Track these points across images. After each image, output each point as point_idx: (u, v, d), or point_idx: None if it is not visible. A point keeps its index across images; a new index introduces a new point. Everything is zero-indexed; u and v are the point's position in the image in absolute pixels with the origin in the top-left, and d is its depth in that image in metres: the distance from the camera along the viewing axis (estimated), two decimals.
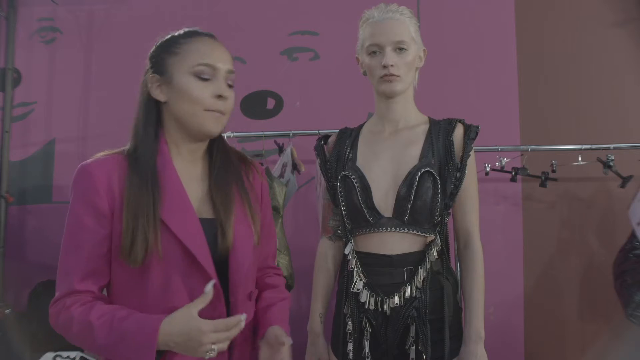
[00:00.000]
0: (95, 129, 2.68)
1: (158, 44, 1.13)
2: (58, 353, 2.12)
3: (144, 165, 1.05)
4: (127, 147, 1.10)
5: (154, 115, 1.10)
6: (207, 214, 1.11)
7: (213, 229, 1.09)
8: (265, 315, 1.18)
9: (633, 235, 2.01)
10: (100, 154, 1.09)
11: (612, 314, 2.14)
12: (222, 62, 1.09)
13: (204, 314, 0.96)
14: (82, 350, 2.24)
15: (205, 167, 1.16)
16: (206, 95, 1.06)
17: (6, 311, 2.37)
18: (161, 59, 1.10)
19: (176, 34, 1.13)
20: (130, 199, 1.02)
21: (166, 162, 1.08)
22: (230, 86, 1.11)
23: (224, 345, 0.97)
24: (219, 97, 1.07)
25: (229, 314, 1.08)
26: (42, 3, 2.74)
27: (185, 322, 0.94)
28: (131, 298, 1.03)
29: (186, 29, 1.14)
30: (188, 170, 1.12)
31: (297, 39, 2.62)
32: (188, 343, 0.94)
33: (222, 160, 1.17)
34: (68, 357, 2.11)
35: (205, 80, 1.07)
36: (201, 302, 0.97)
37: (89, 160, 1.06)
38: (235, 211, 1.12)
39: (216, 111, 1.07)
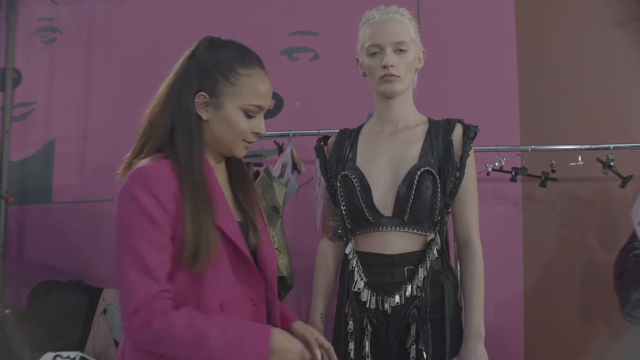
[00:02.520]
0: (95, 129, 2.68)
1: (210, 58, 1.13)
2: (58, 353, 2.12)
3: (196, 174, 1.08)
4: (163, 153, 1.09)
5: (197, 128, 1.12)
6: (237, 217, 1.18)
7: (243, 231, 1.16)
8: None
9: (634, 235, 2.01)
10: (146, 160, 1.07)
11: (612, 314, 2.13)
12: (269, 101, 1.18)
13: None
14: (82, 350, 2.24)
15: (225, 174, 1.24)
16: (247, 130, 1.14)
17: (6, 311, 2.37)
18: (215, 82, 1.11)
19: (239, 58, 1.13)
20: (190, 206, 1.04)
21: (209, 170, 1.13)
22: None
23: None
24: (257, 133, 1.16)
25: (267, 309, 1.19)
26: (42, 3, 2.74)
27: (289, 339, 1.06)
28: (188, 297, 1.05)
29: (246, 54, 1.14)
30: (219, 178, 1.19)
31: (297, 39, 2.62)
32: (282, 354, 1.02)
33: (240, 168, 1.25)
34: (68, 357, 2.11)
35: (251, 117, 1.14)
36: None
37: (147, 163, 1.06)
38: (257, 214, 1.21)
39: (249, 142, 1.17)
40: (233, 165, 1.25)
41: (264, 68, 1.17)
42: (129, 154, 1.14)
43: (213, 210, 1.06)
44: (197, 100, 1.11)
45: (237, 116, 1.12)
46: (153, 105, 1.14)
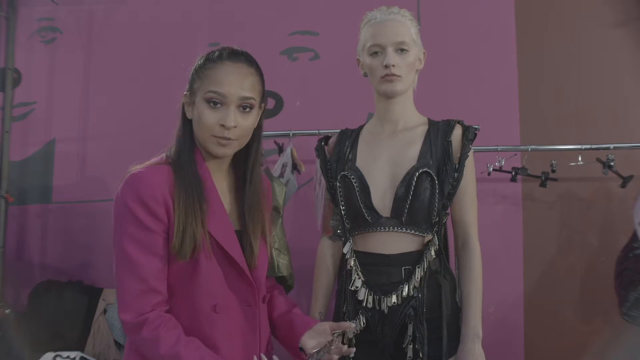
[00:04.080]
0: (95, 129, 2.68)
1: (196, 63, 1.18)
2: (58, 353, 2.12)
3: (188, 176, 1.11)
4: (170, 155, 1.15)
5: (189, 129, 1.16)
6: (235, 225, 1.18)
7: (240, 240, 1.17)
8: (295, 318, 1.29)
9: (635, 235, 2.01)
10: (147, 163, 1.13)
11: (612, 314, 2.13)
12: (234, 88, 1.11)
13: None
14: (82, 350, 2.25)
15: (230, 181, 1.23)
16: (213, 123, 1.11)
17: (6, 311, 2.37)
18: (192, 80, 1.16)
19: (209, 56, 1.16)
20: (180, 204, 1.07)
21: (205, 173, 1.14)
22: (246, 111, 1.13)
23: None
24: (223, 126, 1.11)
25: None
26: (42, 3, 2.74)
27: None
28: (179, 293, 1.11)
29: (218, 51, 1.16)
30: (218, 183, 1.18)
31: (297, 39, 2.62)
32: None
33: (254, 178, 1.22)
34: (68, 357, 2.11)
35: (215, 107, 1.11)
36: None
37: (140, 169, 1.10)
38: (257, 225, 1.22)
39: (221, 138, 1.11)
40: (246, 175, 1.22)
41: (237, 62, 1.14)
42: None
43: (204, 210, 1.09)
44: (183, 101, 1.16)
45: (201, 107, 1.12)
46: None
